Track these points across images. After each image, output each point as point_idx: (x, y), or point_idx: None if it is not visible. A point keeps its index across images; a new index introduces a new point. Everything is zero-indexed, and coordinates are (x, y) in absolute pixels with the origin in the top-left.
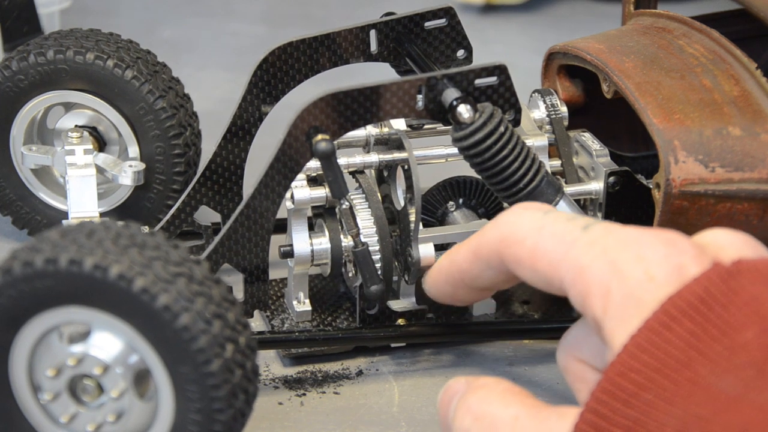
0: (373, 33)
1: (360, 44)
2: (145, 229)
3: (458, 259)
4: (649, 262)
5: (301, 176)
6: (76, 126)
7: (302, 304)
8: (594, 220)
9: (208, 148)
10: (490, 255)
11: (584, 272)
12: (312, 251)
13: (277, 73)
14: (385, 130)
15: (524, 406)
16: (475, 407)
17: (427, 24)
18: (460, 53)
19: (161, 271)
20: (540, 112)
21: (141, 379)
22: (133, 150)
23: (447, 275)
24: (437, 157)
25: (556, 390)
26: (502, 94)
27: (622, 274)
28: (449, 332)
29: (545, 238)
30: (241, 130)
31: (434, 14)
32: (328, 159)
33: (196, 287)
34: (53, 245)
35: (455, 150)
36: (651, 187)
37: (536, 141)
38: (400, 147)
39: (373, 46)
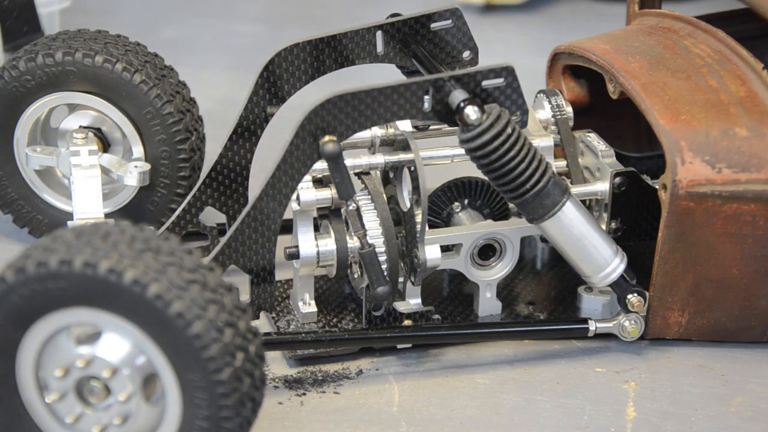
0: (379, 34)
1: (366, 45)
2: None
3: None
4: None
5: (307, 177)
6: (80, 127)
7: (308, 306)
8: None
9: (209, 148)
10: None
11: None
12: (318, 253)
13: (283, 74)
14: (391, 131)
15: None
16: None
17: (433, 25)
18: (466, 54)
19: (175, 278)
20: (545, 113)
21: (148, 383)
22: (138, 151)
23: None
24: (443, 158)
25: (556, 390)
26: (509, 95)
27: None
28: (455, 333)
29: None
30: (247, 132)
31: (440, 15)
32: (335, 160)
33: (209, 294)
34: (68, 246)
35: (461, 151)
36: (657, 187)
37: (541, 142)
38: (405, 148)
39: (380, 47)
